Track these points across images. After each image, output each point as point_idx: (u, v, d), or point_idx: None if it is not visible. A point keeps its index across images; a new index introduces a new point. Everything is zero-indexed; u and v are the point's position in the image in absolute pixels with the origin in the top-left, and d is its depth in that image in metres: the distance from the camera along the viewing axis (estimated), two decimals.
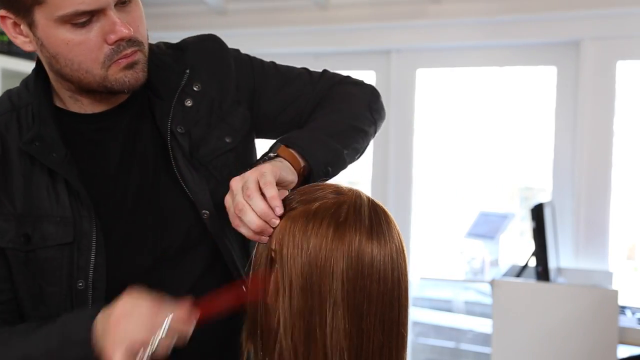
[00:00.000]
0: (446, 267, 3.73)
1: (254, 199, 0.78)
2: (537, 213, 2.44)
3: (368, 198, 0.80)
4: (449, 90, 3.34)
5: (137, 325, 0.74)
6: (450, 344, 3.52)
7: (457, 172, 3.48)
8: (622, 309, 2.51)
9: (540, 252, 2.45)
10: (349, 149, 1.00)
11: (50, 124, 0.93)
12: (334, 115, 1.04)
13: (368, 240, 0.75)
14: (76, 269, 0.91)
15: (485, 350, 3.24)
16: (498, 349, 2.42)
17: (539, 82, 3.20)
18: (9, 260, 0.91)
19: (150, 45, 0.99)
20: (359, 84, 1.15)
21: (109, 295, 0.87)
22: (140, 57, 0.91)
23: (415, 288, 3.65)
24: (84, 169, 0.94)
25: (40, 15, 0.84)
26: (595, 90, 2.87)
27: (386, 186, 3.30)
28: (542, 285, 2.41)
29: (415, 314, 3.60)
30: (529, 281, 2.46)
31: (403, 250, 0.78)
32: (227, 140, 1.03)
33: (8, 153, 0.94)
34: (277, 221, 0.78)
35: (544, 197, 3.28)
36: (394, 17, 3.18)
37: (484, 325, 3.04)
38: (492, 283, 2.46)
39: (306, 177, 0.93)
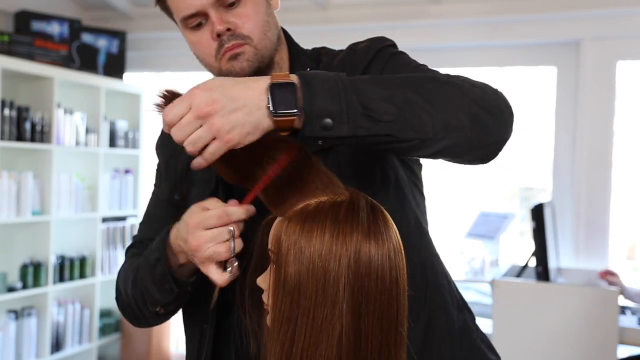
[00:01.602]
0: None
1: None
2: (537, 213, 2.44)
3: (366, 197, 0.80)
4: None
5: (213, 242, 0.85)
6: None
7: (457, 172, 3.48)
8: (622, 309, 2.51)
9: (540, 252, 2.45)
10: (380, 114, 0.78)
11: None
12: (397, 80, 0.86)
13: (366, 240, 0.74)
14: None
15: None
16: (498, 349, 2.40)
17: (539, 82, 3.21)
18: (168, 212, 1.10)
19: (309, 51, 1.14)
20: (477, 85, 0.91)
21: None
22: (246, 49, 1.00)
23: None
24: None
25: (178, 23, 1.02)
26: (595, 90, 2.86)
27: None
28: (542, 285, 2.41)
29: None
30: (529, 281, 2.46)
31: (401, 250, 0.78)
32: None
33: None
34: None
35: (544, 197, 3.29)
36: (394, 17, 3.18)
37: (484, 325, 3.04)
38: (492, 283, 2.46)
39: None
